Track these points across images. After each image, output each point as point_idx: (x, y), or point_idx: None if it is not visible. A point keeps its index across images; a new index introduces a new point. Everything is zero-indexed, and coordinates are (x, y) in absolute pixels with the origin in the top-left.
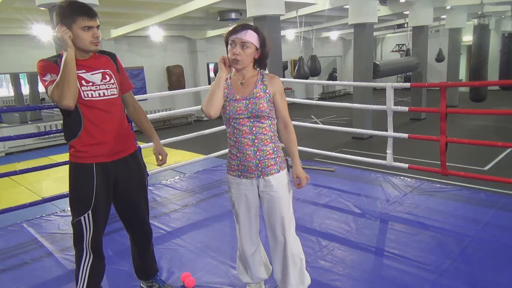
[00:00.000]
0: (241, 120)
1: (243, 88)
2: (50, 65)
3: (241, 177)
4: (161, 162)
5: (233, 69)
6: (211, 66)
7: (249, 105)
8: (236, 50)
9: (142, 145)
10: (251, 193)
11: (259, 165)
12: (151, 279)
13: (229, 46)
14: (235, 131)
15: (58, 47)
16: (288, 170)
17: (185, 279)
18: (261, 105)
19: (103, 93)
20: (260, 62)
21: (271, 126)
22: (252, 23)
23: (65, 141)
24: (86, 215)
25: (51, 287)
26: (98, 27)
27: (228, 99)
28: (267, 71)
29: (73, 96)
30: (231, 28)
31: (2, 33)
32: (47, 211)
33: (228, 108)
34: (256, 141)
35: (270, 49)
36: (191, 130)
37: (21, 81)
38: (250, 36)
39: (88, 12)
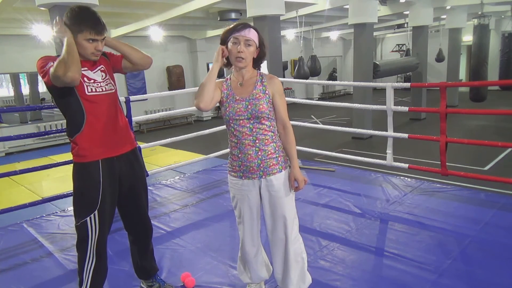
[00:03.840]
0: (241, 121)
1: (243, 89)
2: (51, 58)
3: (243, 178)
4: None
5: (233, 69)
6: (211, 66)
7: (249, 106)
8: (240, 48)
9: (142, 145)
10: (252, 194)
11: (261, 165)
12: (151, 278)
13: (230, 44)
14: (235, 132)
15: (58, 47)
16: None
17: (185, 279)
18: (260, 106)
19: (104, 88)
20: (257, 61)
21: (271, 126)
22: (252, 23)
23: (68, 140)
24: (92, 216)
25: (51, 287)
26: (103, 39)
27: (228, 100)
28: (266, 72)
29: (78, 68)
30: (230, 26)
31: (2, 33)
32: (47, 211)
33: (228, 109)
34: (257, 141)
35: (267, 49)
36: (191, 130)
37: (21, 81)
38: (253, 35)
39: (96, 26)
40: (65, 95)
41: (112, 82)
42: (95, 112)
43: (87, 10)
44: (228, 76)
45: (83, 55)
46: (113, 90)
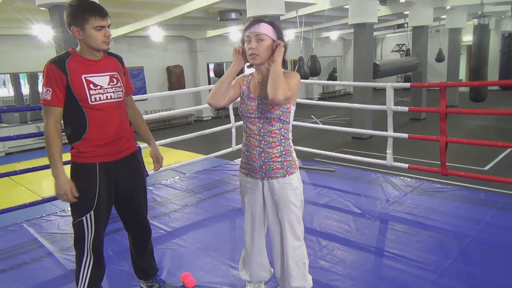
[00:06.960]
0: (252, 119)
1: (259, 88)
2: (55, 74)
3: (248, 176)
4: (157, 166)
5: (255, 67)
6: (211, 66)
7: (260, 106)
8: (252, 44)
9: (142, 145)
10: (256, 193)
11: (263, 167)
12: (150, 278)
13: (245, 43)
14: (246, 129)
15: (58, 47)
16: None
17: (185, 279)
18: (271, 107)
19: (110, 96)
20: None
21: (282, 129)
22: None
23: (67, 142)
24: (88, 215)
25: (51, 287)
26: (109, 26)
27: (243, 97)
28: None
29: None
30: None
31: (2, 33)
32: (47, 211)
33: (242, 105)
34: (262, 142)
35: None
36: (191, 130)
37: (21, 81)
38: (264, 28)
39: (101, 11)
40: (67, 104)
41: (123, 91)
42: (98, 121)
43: (86, 0)
44: (251, 74)
45: (95, 47)
46: (121, 99)
